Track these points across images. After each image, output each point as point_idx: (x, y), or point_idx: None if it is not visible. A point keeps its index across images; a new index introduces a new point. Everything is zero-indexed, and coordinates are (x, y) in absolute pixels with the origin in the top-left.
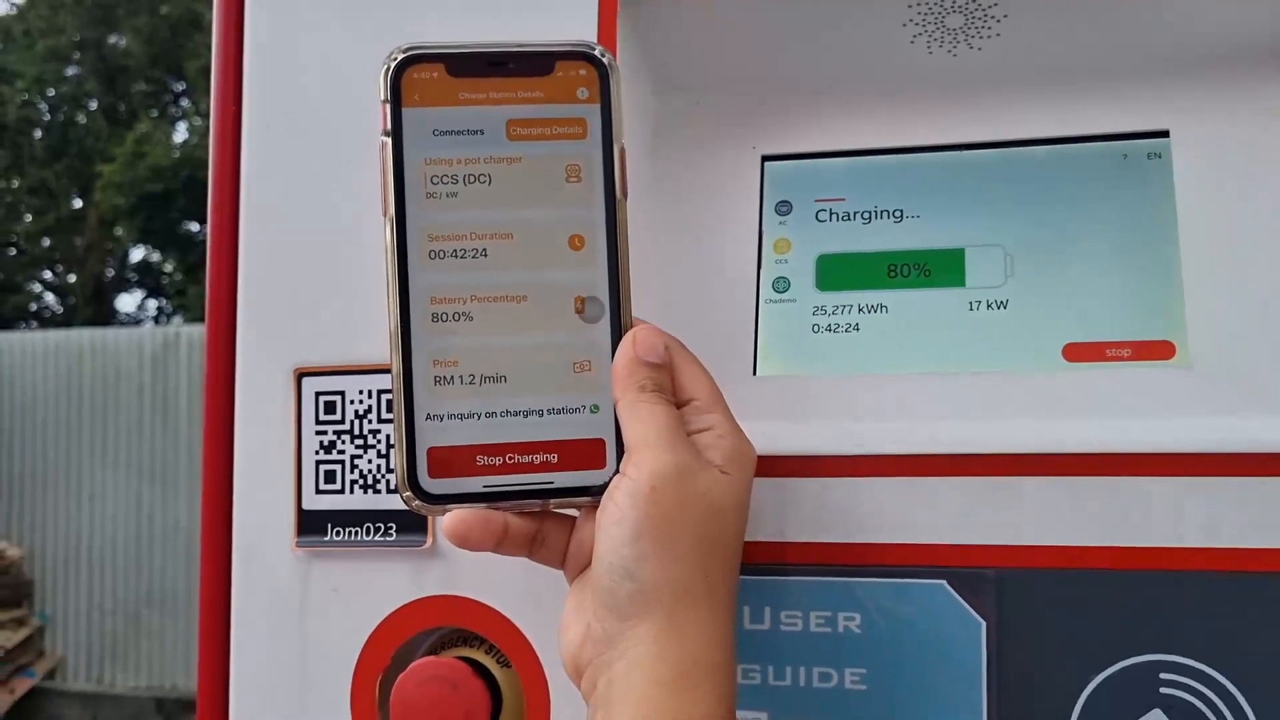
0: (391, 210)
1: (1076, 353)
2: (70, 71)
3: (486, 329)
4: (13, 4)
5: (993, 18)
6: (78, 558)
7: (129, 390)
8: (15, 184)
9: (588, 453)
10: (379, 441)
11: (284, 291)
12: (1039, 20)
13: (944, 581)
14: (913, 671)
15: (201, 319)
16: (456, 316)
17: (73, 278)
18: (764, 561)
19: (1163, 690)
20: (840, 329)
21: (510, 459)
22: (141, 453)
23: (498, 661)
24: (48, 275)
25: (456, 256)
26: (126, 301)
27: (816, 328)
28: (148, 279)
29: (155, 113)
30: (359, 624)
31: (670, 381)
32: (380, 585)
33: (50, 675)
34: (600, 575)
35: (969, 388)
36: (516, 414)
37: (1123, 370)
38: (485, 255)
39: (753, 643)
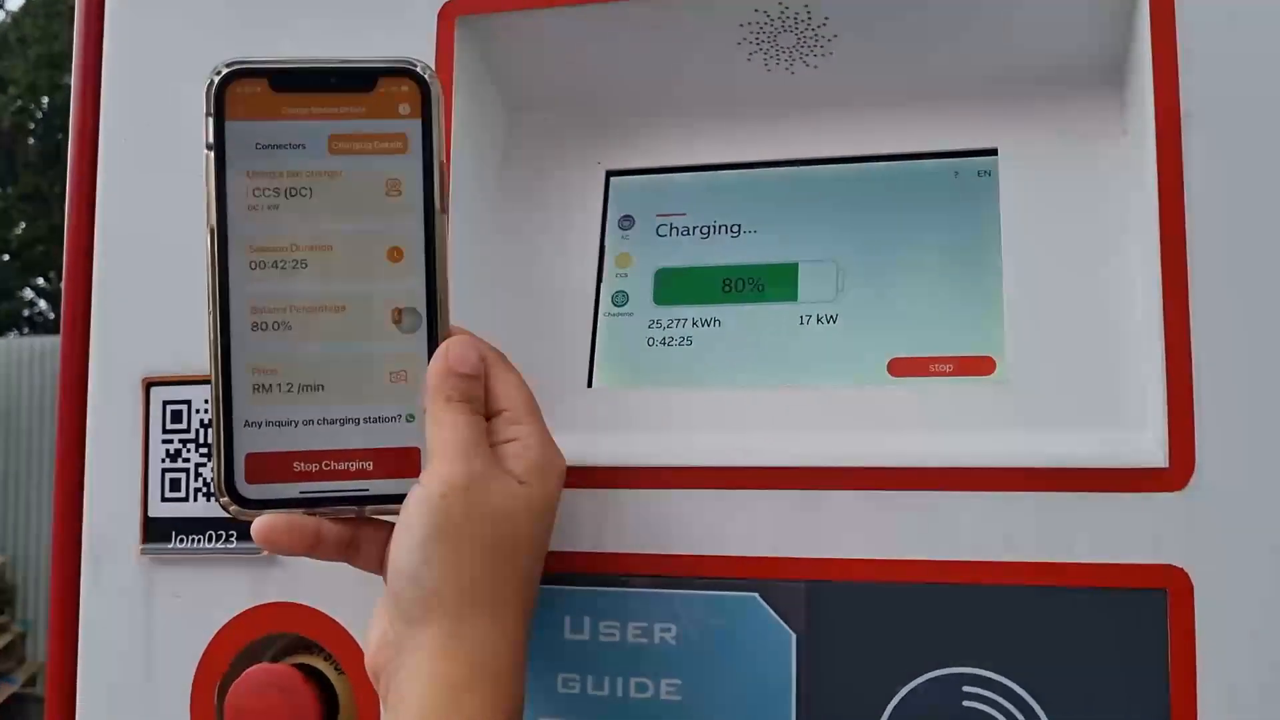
0: (213, 221)
1: (901, 367)
2: (64, 79)
3: (305, 338)
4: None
5: (824, 37)
6: None
7: None
8: (9, 191)
9: (401, 461)
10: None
11: (134, 302)
12: (869, 40)
13: (756, 594)
14: (726, 682)
15: None
16: (276, 325)
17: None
18: (582, 571)
19: (965, 703)
20: (674, 342)
21: (326, 466)
22: None
23: (334, 670)
24: (40, 282)
25: (277, 267)
26: None
27: (652, 341)
28: None
29: None
30: (200, 630)
31: (482, 392)
32: (221, 592)
33: (30, 682)
34: (391, 580)
35: (795, 401)
36: (333, 422)
37: (944, 385)
38: (305, 266)
39: (572, 652)
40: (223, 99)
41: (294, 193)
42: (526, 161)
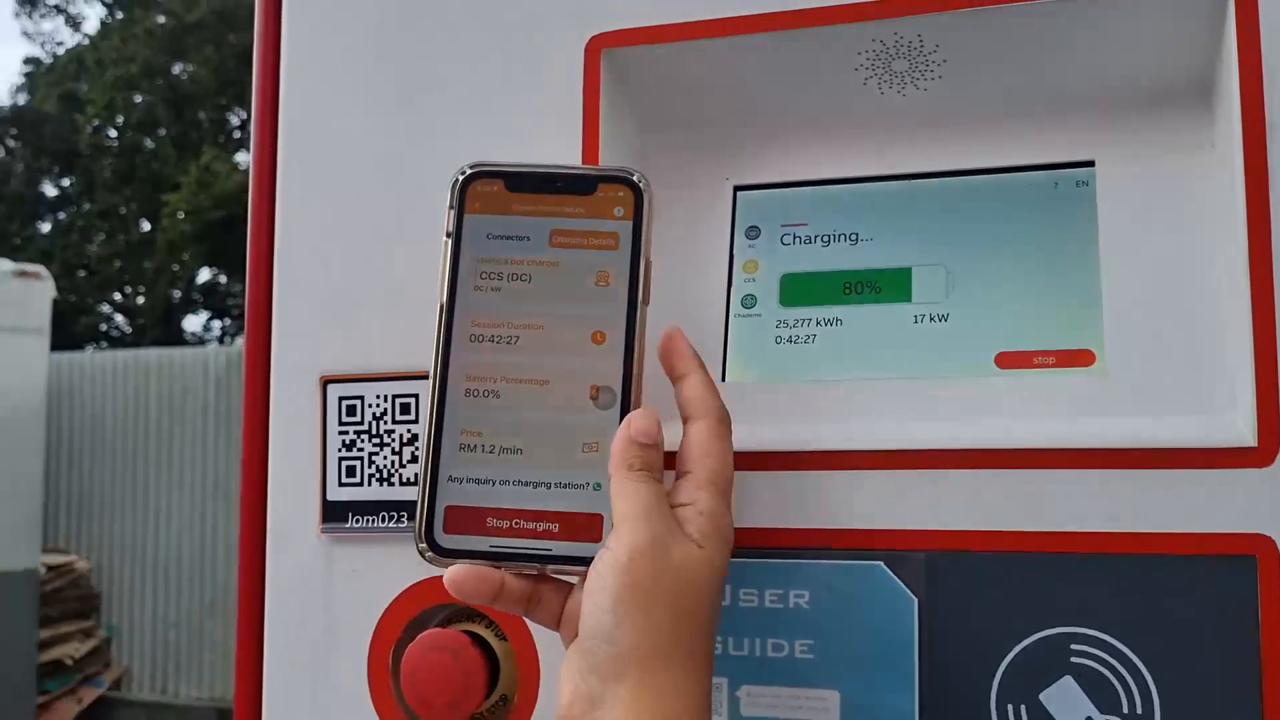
0: (444, 298)
1: (1007, 360)
2: (139, 99)
3: (511, 406)
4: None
5: (934, 63)
6: (143, 571)
7: (194, 408)
8: (87, 208)
9: (586, 526)
10: (393, 440)
11: (311, 307)
12: (976, 63)
13: (881, 562)
14: (854, 643)
15: None
16: (486, 393)
17: (141, 299)
18: None
19: (1073, 659)
20: (799, 340)
21: (516, 524)
22: (206, 469)
23: (496, 636)
24: (117, 297)
25: (493, 341)
26: (193, 322)
27: (779, 339)
28: (213, 300)
29: (220, 138)
30: (375, 600)
31: (660, 461)
32: (393, 566)
33: (116, 685)
34: (584, 639)
35: (910, 391)
36: (527, 484)
37: (1047, 375)
38: (517, 342)
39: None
40: (464, 195)
41: (516, 278)
42: (660, 177)
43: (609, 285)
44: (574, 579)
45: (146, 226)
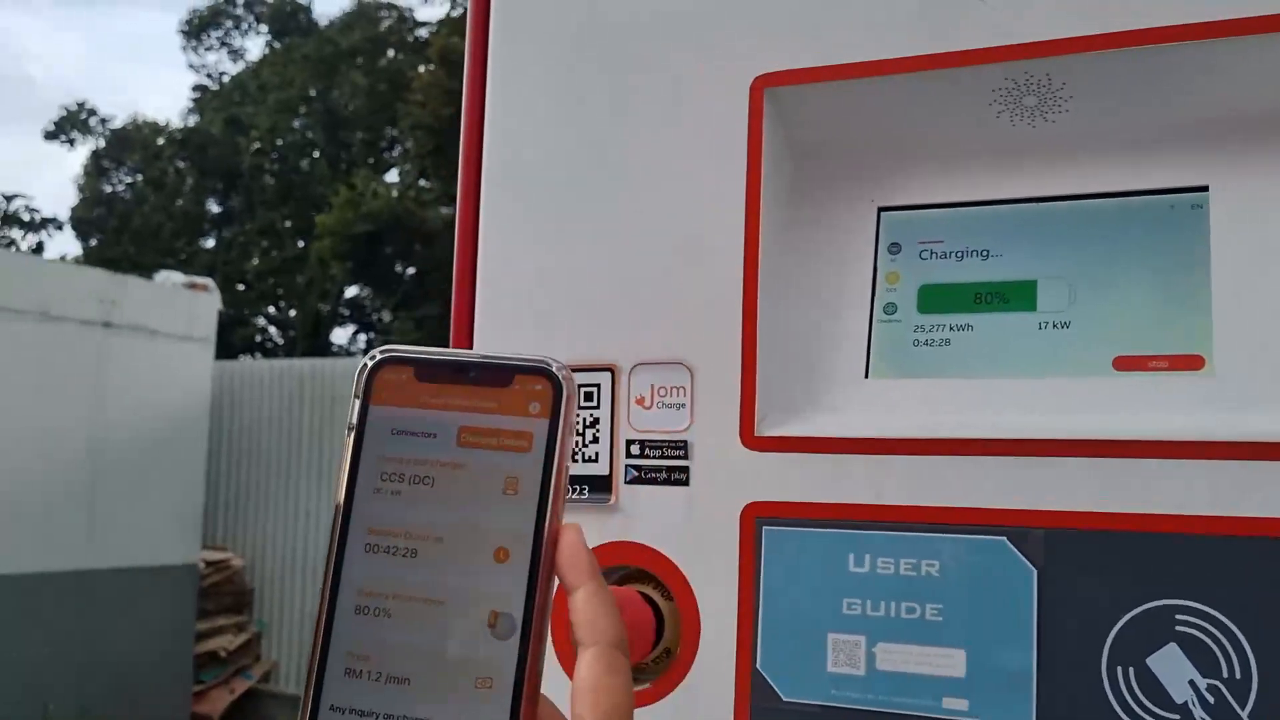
0: (339, 498)
1: (1124, 364)
2: (296, 123)
3: (403, 628)
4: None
5: (1061, 98)
6: (293, 569)
7: (344, 415)
8: (247, 227)
9: None
10: (577, 423)
11: (508, 307)
12: (1099, 98)
13: (1004, 538)
14: (979, 608)
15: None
16: (377, 611)
17: (293, 312)
18: (864, 519)
19: (1178, 628)
20: (935, 343)
21: None
22: None
23: (664, 596)
24: (271, 310)
25: (389, 553)
26: (339, 335)
27: (916, 342)
28: (359, 315)
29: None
30: None
31: None
32: None
33: (265, 678)
34: None
35: (1033, 389)
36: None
37: (1161, 377)
38: (415, 555)
39: (854, 582)
40: (371, 384)
41: (417, 480)
42: (812, 199)
43: (517, 493)
44: None
45: (301, 244)
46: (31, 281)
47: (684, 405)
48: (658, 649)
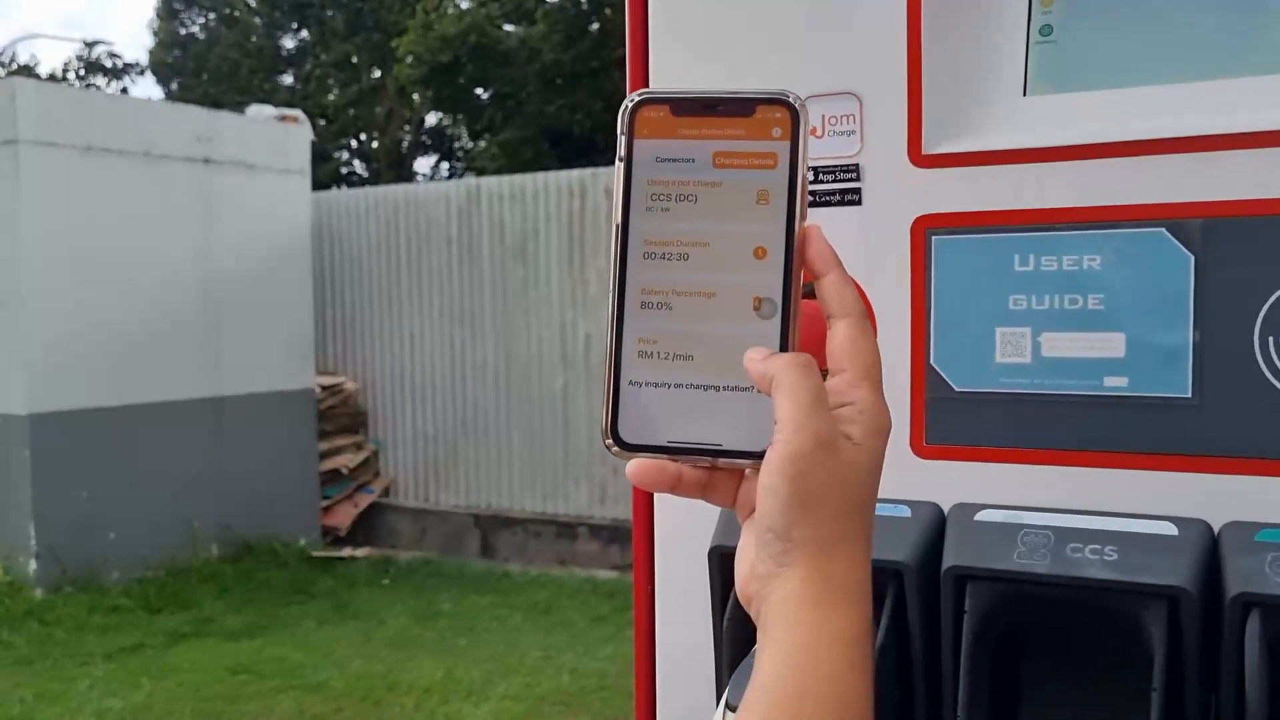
0: (618, 218)
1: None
2: None
3: (682, 317)
4: None
5: None
6: (402, 390)
7: (439, 239)
8: (322, 58)
9: (753, 424)
10: None
11: (685, 57)
12: None
13: (1163, 229)
14: (1139, 294)
15: (487, 174)
16: (659, 306)
17: (375, 145)
18: (1029, 224)
19: None
20: (1087, 61)
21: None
22: (451, 296)
23: None
24: (353, 144)
25: (664, 258)
26: (422, 164)
27: (1070, 59)
28: (440, 143)
29: None
30: None
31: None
32: None
33: (385, 493)
34: (761, 531)
35: (1185, 93)
36: (699, 387)
37: None
38: (687, 259)
39: (1020, 280)
40: (634, 121)
41: (683, 198)
42: None
43: (769, 204)
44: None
45: (377, 74)
46: (131, 122)
47: (854, 131)
48: None
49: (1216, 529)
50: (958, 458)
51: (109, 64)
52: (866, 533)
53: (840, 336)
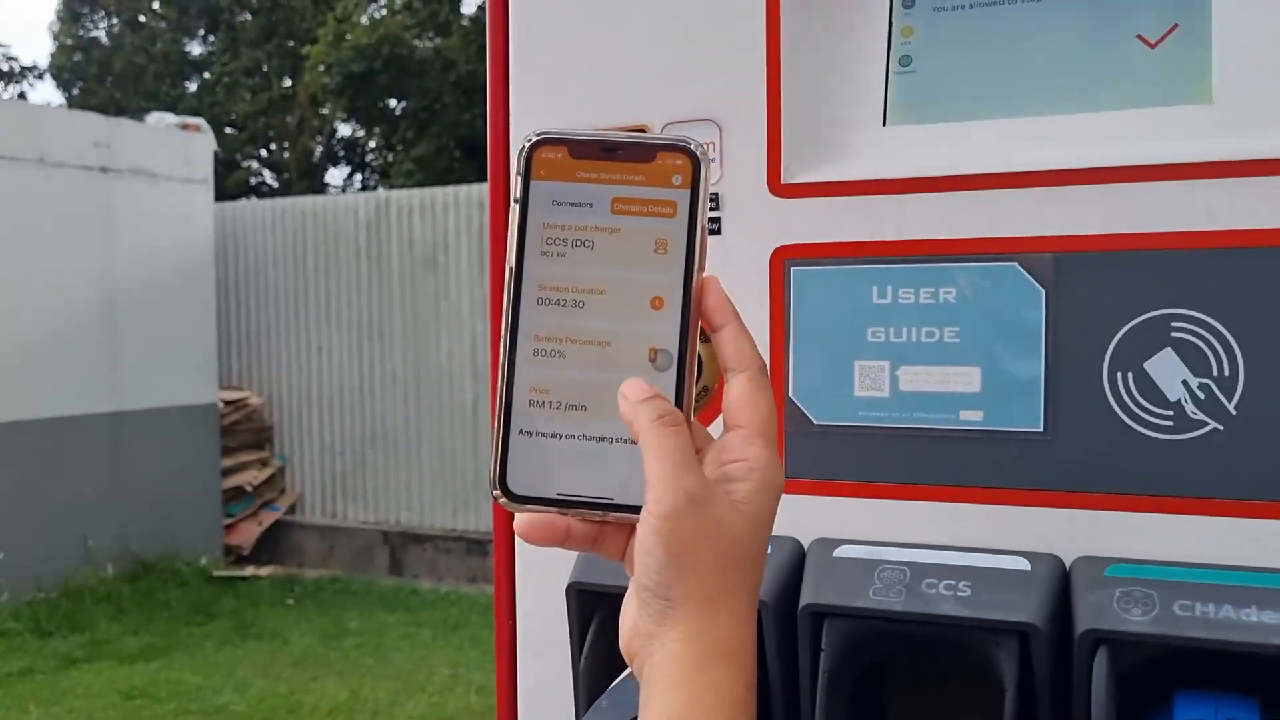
0: (512, 261)
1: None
2: None
3: (576, 366)
4: None
5: None
6: (309, 404)
7: (348, 252)
8: (231, 66)
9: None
10: None
11: (546, 82)
12: None
13: (1015, 263)
14: (992, 328)
15: (401, 187)
16: (553, 353)
17: (286, 154)
18: (887, 255)
19: (1173, 334)
20: (946, 91)
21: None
22: (360, 308)
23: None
24: (263, 153)
25: (559, 305)
26: (335, 175)
27: (929, 90)
28: (353, 154)
29: None
30: None
31: (670, 406)
32: None
33: (291, 510)
34: (638, 591)
35: (1042, 126)
36: (590, 438)
37: (1162, 112)
38: (581, 306)
39: (877, 312)
40: (530, 162)
41: (579, 243)
42: None
43: (667, 253)
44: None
45: (288, 83)
46: (24, 127)
47: (714, 160)
48: (696, 387)
49: (1068, 563)
50: (817, 492)
51: (4, 66)
52: (751, 588)
53: (736, 390)
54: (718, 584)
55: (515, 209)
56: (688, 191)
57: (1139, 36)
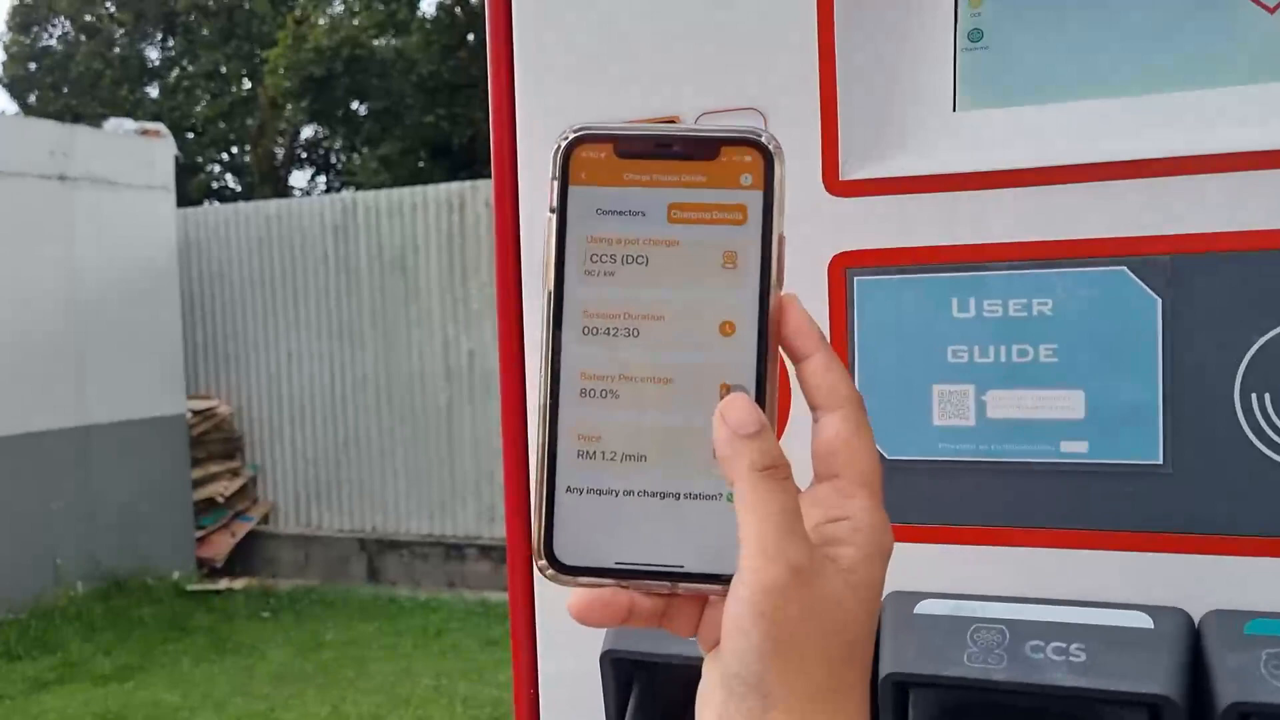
0: (551, 284)
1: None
2: None
3: (631, 407)
4: None
5: None
6: (280, 412)
7: (315, 256)
8: (190, 70)
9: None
10: None
11: (561, 67)
12: None
13: (1124, 267)
14: (1097, 345)
15: (367, 188)
16: (603, 393)
17: (248, 158)
18: (967, 261)
19: None
20: (1024, 68)
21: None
22: (329, 312)
23: None
24: (225, 157)
25: (609, 334)
26: (299, 178)
27: (1005, 68)
28: (316, 156)
29: None
30: None
31: (777, 446)
32: None
33: (265, 520)
34: (729, 677)
35: (1144, 107)
36: (653, 495)
37: None
38: (636, 335)
39: (961, 328)
40: (568, 164)
41: (630, 260)
42: None
43: (737, 267)
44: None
45: (249, 85)
46: None
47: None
48: None
49: (1197, 619)
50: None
51: None
52: (863, 682)
53: (829, 434)
54: (825, 677)
55: (551, 220)
56: (760, 193)
57: (1255, 0)
